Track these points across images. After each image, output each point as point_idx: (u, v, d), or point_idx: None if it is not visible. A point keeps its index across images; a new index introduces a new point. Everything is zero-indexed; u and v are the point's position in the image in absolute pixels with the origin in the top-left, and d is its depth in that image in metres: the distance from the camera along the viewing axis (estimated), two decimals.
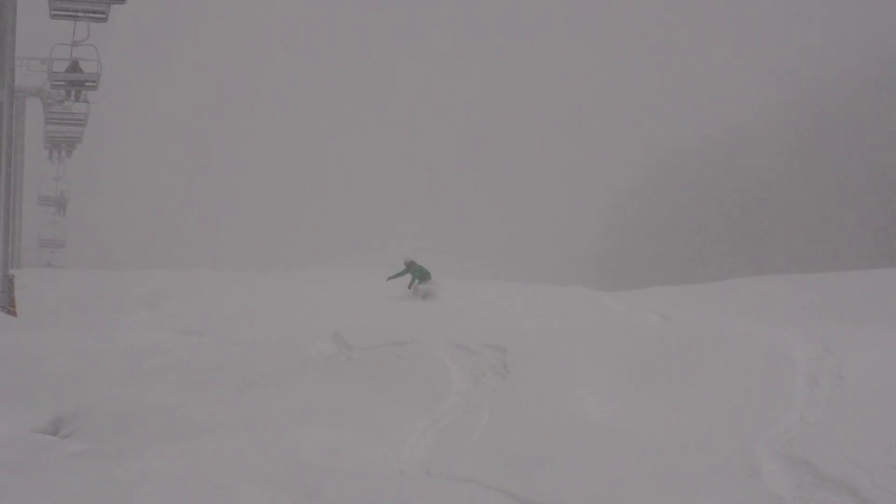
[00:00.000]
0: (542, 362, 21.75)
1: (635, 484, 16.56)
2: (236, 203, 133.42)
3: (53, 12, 37.09)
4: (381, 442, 18.45)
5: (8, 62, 33.43)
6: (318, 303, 33.16)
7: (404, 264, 36.09)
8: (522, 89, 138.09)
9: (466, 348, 22.86)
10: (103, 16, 37.12)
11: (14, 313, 31.62)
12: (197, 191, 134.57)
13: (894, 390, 19.74)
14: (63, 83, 41.64)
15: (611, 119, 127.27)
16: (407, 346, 23.58)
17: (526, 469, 17.15)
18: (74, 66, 41.19)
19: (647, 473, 16.92)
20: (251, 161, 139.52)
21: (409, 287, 35.07)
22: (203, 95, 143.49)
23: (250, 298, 34.47)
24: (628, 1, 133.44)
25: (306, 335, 26.76)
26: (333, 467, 17.32)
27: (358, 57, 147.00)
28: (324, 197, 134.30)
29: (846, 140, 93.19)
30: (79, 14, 37.38)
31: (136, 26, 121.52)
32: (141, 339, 26.91)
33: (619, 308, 31.33)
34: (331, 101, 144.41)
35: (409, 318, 31.78)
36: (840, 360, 21.37)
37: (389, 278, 36.06)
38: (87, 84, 41.55)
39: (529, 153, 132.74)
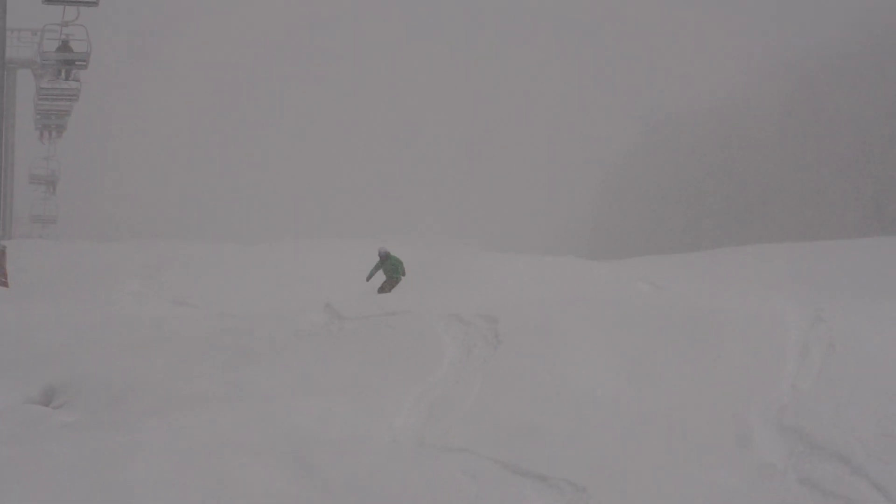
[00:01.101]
0: (534, 333, 21.70)
1: (627, 454, 16.56)
2: (231, 179, 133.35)
3: None
4: (374, 412, 18.44)
5: None
6: (309, 274, 33.12)
7: (378, 256, 33.35)
8: (516, 60, 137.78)
9: (458, 318, 22.79)
10: (94, 1, 37.07)
11: (6, 284, 31.58)
12: (194, 166, 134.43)
13: (885, 359, 19.73)
14: (53, 62, 41.97)
15: (604, 90, 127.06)
16: (399, 316, 23.51)
17: (518, 439, 17.15)
18: (65, 46, 41.47)
19: (639, 444, 16.92)
20: (250, 145, 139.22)
21: (380, 291, 32.86)
22: (204, 86, 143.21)
23: (243, 270, 34.41)
24: None
25: (298, 306, 26.71)
26: (326, 438, 17.31)
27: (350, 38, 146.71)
28: (319, 175, 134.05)
29: (837, 110, 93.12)
30: None
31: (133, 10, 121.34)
32: (134, 311, 26.88)
33: (610, 278, 31.29)
34: (328, 78, 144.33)
35: (401, 289, 31.75)
36: (832, 330, 21.32)
37: (369, 278, 33.38)
38: (77, 63, 41.92)
39: (522, 123, 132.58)
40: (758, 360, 19.95)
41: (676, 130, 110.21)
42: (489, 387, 19.46)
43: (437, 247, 43.88)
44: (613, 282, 30.44)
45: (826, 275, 33.54)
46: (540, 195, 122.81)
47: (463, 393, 19.26)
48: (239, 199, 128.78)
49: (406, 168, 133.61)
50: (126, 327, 24.19)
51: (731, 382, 19.00)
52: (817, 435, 16.63)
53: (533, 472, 15.94)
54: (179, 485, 15.56)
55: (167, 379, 20.30)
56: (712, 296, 24.91)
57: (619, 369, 19.98)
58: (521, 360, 20.46)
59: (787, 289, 27.52)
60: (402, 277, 33.37)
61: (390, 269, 33.19)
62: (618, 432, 17.34)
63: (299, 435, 17.53)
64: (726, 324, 21.71)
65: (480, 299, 25.87)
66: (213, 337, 23.06)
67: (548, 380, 19.55)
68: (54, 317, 25.21)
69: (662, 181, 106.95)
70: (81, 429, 18.09)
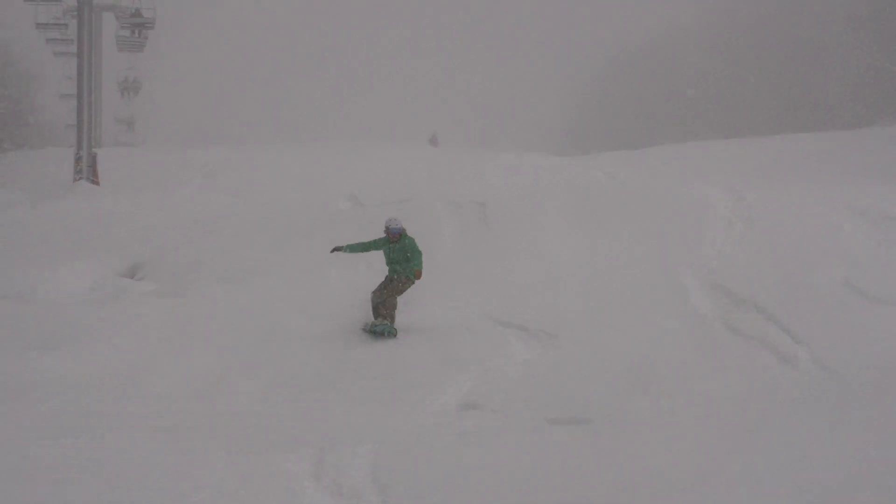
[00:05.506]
0: (516, 214, 21.83)
1: (589, 308, 16.76)
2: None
3: None
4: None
5: None
6: (340, 168, 32.92)
7: (387, 232, 16.19)
8: None
9: (455, 203, 22.90)
10: None
11: (97, 184, 31.60)
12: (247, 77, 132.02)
13: (791, 230, 19.87)
14: (129, 25, 45.06)
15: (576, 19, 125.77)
16: (408, 202, 23.61)
17: (504, 298, 17.37)
18: (137, 13, 45.02)
19: (599, 300, 17.13)
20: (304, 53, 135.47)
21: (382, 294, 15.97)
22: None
23: (285, 168, 34.19)
24: None
25: (330, 195, 26.79)
26: (352, 296, 17.64)
27: None
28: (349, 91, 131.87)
29: (762, 34, 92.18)
30: None
31: None
32: (200, 202, 26.88)
33: (575, 169, 31.19)
34: None
35: (410, 180, 31.63)
36: (751, 207, 21.44)
37: (349, 250, 16.53)
38: (146, 25, 45.64)
39: (518, 42, 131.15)
40: (691, 231, 20.09)
41: (633, 56, 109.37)
42: (481, 257, 19.63)
43: (439, 147, 43.68)
44: (577, 172, 30.32)
45: (749, 164, 33.38)
46: (524, 103, 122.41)
47: (461, 262, 19.44)
48: (291, 105, 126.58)
49: (416, 82, 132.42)
50: (193, 216, 24.27)
51: (669, 250, 19.14)
52: (738, 290, 16.82)
53: (515, 323, 16.16)
54: (239, 330, 15.93)
55: (227, 254, 20.46)
56: (654, 182, 24.97)
57: (583, 242, 20.13)
58: (506, 235, 20.65)
59: (715, 175, 27.50)
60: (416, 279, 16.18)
61: (401, 258, 16.18)
62: (582, 291, 17.53)
63: (331, 294, 17.84)
64: (665, 203, 21.82)
65: (473, 188, 25.92)
66: (262, 222, 23.17)
67: (527, 251, 19.72)
68: (137, 208, 25.28)
69: (625, 94, 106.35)
70: (159, 295, 18.32)
